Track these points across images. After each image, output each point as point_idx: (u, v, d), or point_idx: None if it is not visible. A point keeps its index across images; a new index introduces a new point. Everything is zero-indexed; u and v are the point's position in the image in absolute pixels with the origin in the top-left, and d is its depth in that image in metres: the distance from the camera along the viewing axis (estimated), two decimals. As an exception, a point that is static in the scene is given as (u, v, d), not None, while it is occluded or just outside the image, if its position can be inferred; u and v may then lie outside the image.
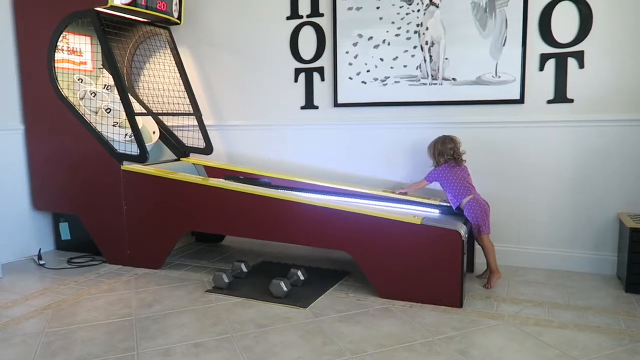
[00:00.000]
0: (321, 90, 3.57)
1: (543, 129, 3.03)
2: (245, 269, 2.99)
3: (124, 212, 3.19)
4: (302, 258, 3.41)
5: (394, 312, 2.47)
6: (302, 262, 3.25)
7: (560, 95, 2.98)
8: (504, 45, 3.05)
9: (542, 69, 3.00)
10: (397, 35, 3.29)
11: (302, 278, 2.83)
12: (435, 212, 2.96)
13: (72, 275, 3.12)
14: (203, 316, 2.45)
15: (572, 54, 2.93)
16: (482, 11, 3.08)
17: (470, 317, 2.40)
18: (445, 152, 2.93)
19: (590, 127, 2.94)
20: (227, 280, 2.78)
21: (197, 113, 3.71)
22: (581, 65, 2.92)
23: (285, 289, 2.63)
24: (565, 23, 2.93)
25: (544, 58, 2.99)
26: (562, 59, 2.96)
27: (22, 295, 2.79)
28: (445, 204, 3.00)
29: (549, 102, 3.01)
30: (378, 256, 2.62)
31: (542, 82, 3.01)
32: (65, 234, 3.63)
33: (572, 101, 2.96)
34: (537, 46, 3.00)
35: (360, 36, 3.39)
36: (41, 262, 3.33)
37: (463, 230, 2.48)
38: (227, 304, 2.61)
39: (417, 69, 3.27)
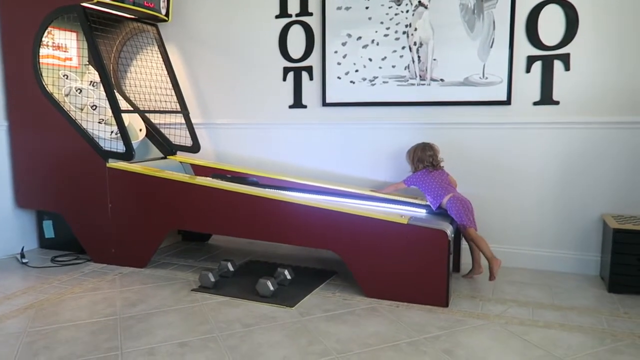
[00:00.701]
0: (309, 89, 3.57)
1: (529, 130, 3.06)
2: (231, 268, 2.97)
3: (109, 210, 3.15)
4: (289, 257, 3.41)
5: (380, 312, 2.47)
6: (289, 261, 3.24)
7: (546, 97, 3.01)
8: (491, 46, 3.07)
9: (528, 70, 3.03)
10: (386, 36, 3.29)
11: (288, 277, 2.83)
12: (422, 212, 2.97)
13: (55, 273, 3.08)
14: (188, 315, 2.43)
15: (558, 56, 2.96)
16: (470, 13, 3.09)
17: (455, 316, 2.41)
18: (424, 158, 2.98)
19: (575, 129, 2.97)
20: (213, 279, 2.77)
21: (184, 111, 3.69)
22: (567, 68, 2.95)
23: (272, 288, 2.63)
24: (551, 26, 2.96)
25: (531, 60, 3.02)
26: (548, 61, 2.98)
27: (4, 294, 2.74)
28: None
29: (535, 103, 3.04)
30: (364, 255, 2.62)
31: (529, 83, 3.04)
32: (49, 231, 3.58)
33: (557, 103, 2.99)
34: (524, 48, 3.02)
35: (349, 36, 3.39)
36: (24, 260, 3.28)
37: (449, 230, 2.49)
38: (212, 303, 2.59)
39: (405, 69, 3.28)
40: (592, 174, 2.97)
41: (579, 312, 2.45)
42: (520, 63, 3.04)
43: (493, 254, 2.80)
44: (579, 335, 2.20)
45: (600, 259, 2.97)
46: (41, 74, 3.25)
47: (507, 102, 3.07)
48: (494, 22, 3.05)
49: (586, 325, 2.30)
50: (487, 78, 3.10)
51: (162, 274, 3.07)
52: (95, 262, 3.27)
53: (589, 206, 2.99)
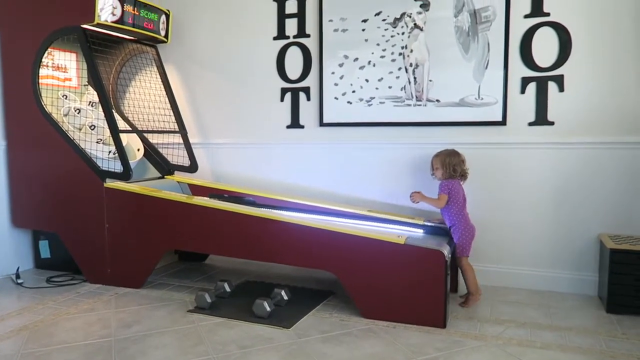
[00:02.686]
0: (307, 109, 3.60)
1: (524, 150, 3.08)
2: (228, 289, 2.96)
3: (106, 230, 3.15)
4: (286, 277, 3.39)
5: (377, 332, 2.45)
6: (286, 282, 3.23)
7: (541, 118, 3.04)
8: (486, 68, 3.11)
9: (523, 91, 3.07)
10: (382, 57, 3.34)
11: (285, 298, 2.81)
12: (419, 232, 2.97)
13: (50, 294, 3.06)
14: (184, 337, 2.41)
15: (552, 78, 3.00)
16: (465, 35, 3.14)
17: (453, 337, 2.39)
18: (458, 165, 2.89)
19: (570, 149, 3.00)
20: (209, 300, 2.75)
21: (182, 130, 3.71)
22: (561, 89, 2.99)
23: (268, 308, 2.61)
24: (545, 48, 3.00)
25: (525, 81, 3.06)
26: (542, 82, 3.02)
27: (-2, 314, 2.72)
28: (429, 224, 3.01)
29: (530, 124, 3.07)
30: (361, 276, 2.62)
31: (524, 104, 3.07)
32: (45, 251, 3.56)
33: (552, 123, 3.02)
34: (518, 69, 3.06)
35: (346, 57, 3.43)
36: (19, 281, 3.25)
37: (446, 251, 2.49)
38: (209, 324, 2.57)
39: (401, 89, 3.31)
40: (588, 194, 2.98)
41: (577, 333, 2.44)
42: (515, 84, 3.08)
43: (477, 287, 2.83)
44: (577, 357, 2.18)
45: (598, 279, 2.97)
46: (40, 94, 3.27)
47: (503, 122, 3.10)
48: (488, 44, 3.09)
49: (584, 346, 2.28)
50: (482, 99, 3.13)
51: (158, 294, 3.05)
52: (90, 283, 3.25)
53: (585, 226, 3.00)
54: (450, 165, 2.88)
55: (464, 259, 2.82)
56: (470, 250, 2.83)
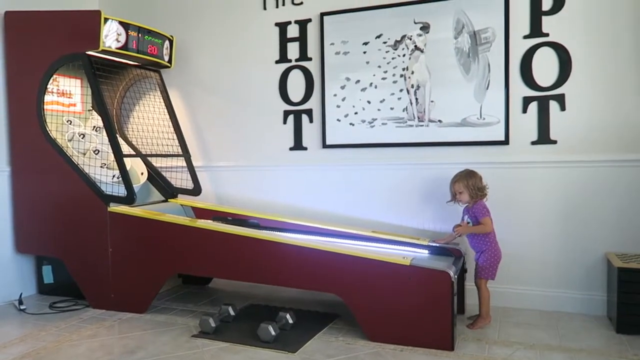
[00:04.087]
0: (310, 131, 3.62)
1: (528, 170, 3.08)
2: (232, 312, 2.93)
3: (109, 255, 3.13)
4: (291, 300, 3.36)
5: (384, 356, 2.42)
6: (291, 305, 3.19)
7: (544, 137, 3.04)
8: (487, 88, 3.13)
9: (525, 111, 3.08)
10: (384, 79, 3.37)
11: (290, 321, 2.78)
12: (424, 253, 2.95)
13: (53, 320, 3.03)
14: (188, 362, 2.38)
15: (553, 97, 3.02)
16: (466, 56, 3.17)
17: (461, 360, 2.36)
18: (481, 187, 2.85)
19: (573, 168, 2.99)
20: (213, 325, 2.72)
21: (185, 154, 3.72)
22: (562, 108, 3.00)
23: (274, 333, 2.58)
24: (545, 67, 3.02)
25: (527, 100, 3.07)
26: (543, 102, 3.04)
27: (1, 342, 2.68)
28: (433, 244, 3.00)
29: (533, 143, 3.07)
30: (367, 298, 2.59)
31: (526, 123, 3.08)
32: (48, 277, 3.54)
33: (555, 142, 3.03)
34: (519, 89, 3.08)
35: (348, 79, 3.46)
36: (22, 307, 3.23)
37: (452, 271, 2.47)
38: (213, 349, 2.54)
39: (403, 110, 3.33)
40: (593, 212, 2.97)
41: (588, 354, 2.40)
42: (516, 104, 3.09)
43: (489, 313, 2.81)
44: (589, 379, 2.14)
45: (607, 299, 2.93)
46: (45, 120, 3.30)
47: (505, 142, 3.11)
48: (489, 65, 3.12)
49: (596, 368, 2.25)
50: (484, 119, 3.15)
51: (162, 319, 3.02)
52: (94, 308, 3.23)
53: (591, 245, 2.98)
54: (475, 187, 2.83)
55: (484, 282, 2.80)
56: (495, 274, 2.81)
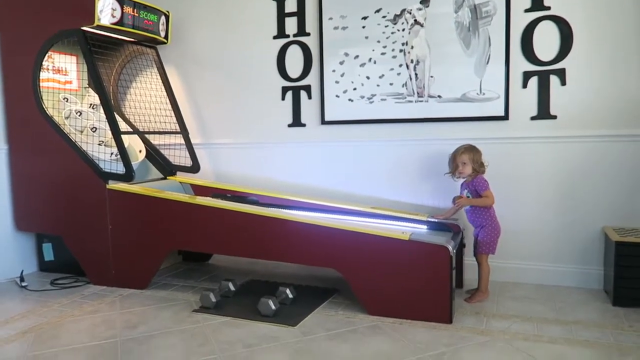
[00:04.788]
0: (308, 108, 3.59)
1: (527, 145, 3.07)
2: (232, 288, 2.95)
3: (109, 232, 3.14)
4: (290, 276, 3.38)
5: (383, 329, 2.45)
6: (291, 280, 3.22)
7: (543, 112, 3.03)
8: (487, 63, 3.10)
9: (525, 86, 3.06)
10: (383, 54, 3.33)
11: (290, 296, 2.81)
12: (423, 228, 2.96)
13: (55, 296, 3.06)
14: (189, 337, 2.40)
15: (554, 71, 2.99)
16: (466, 30, 3.14)
17: (460, 333, 2.39)
18: (482, 163, 2.86)
19: (573, 142, 2.99)
20: (214, 300, 2.74)
21: (183, 131, 3.70)
22: (563, 82, 2.98)
23: (274, 307, 2.60)
24: (546, 41, 2.99)
25: (527, 75, 3.05)
26: (544, 76, 3.01)
27: (3, 318, 2.71)
28: (432, 220, 3.01)
29: (533, 118, 3.06)
30: (366, 273, 2.61)
31: (526, 98, 3.06)
32: (49, 254, 3.56)
33: (555, 117, 3.01)
34: (520, 64, 3.05)
35: (347, 55, 3.42)
36: (23, 284, 3.25)
37: (451, 245, 2.48)
38: (214, 323, 2.57)
39: (402, 86, 3.31)
40: (591, 187, 2.98)
41: (584, 327, 2.43)
42: (516, 78, 3.07)
43: (487, 288, 2.83)
44: (585, 350, 2.17)
45: (604, 272, 2.96)
46: (41, 97, 3.27)
47: (505, 117, 3.09)
48: (489, 39, 3.09)
49: (592, 340, 2.28)
50: (484, 94, 3.13)
51: (162, 295, 3.04)
52: (95, 285, 3.25)
53: (589, 219, 2.99)
54: (477, 162, 2.83)
55: (486, 257, 2.82)
56: (496, 249, 2.82)
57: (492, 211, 2.83)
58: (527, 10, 3.01)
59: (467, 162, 2.83)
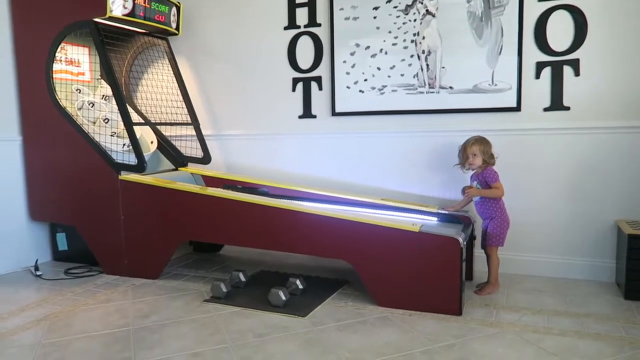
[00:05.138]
0: (319, 99, 3.59)
1: (539, 136, 3.04)
2: (243, 278, 2.98)
3: (122, 222, 3.18)
4: (300, 267, 3.40)
5: (392, 321, 2.46)
6: (301, 271, 3.24)
7: (556, 103, 3.00)
8: (499, 53, 3.07)
9: (537, 76, 3.02)
10: (394, 44, 3.31)
11: (300, 287, 2.82)
12: (433, 220, 2.95)
13: (68, 285, 3.11)
14: (201, 326, 2.43)
15: (568, 62, 2.95)
16: (478, 20, 3.10)
17: (469, 325, 2.39)
18: (492, 153, 2.84)
19: (586, 134, 2.95)
20: (225, 290, 2.77)
21: (194, 122, 3.72)
22: (577, 73, 2.94)
23: (284, 297, 2.62)
24: (560, 31, 2.95)
25: (540, 66, 3.01)
26: (557, 67, 2.98)
27: (18, 306, 2.77)
28: (443, 212, 3.00)
29: (545, 109, 3.02)
30: (376, 264, 2.61)
31: (538, 89, 3.03)
32: (62, 244, 3.61)
33: (568, 108, 2.98)
34: (533, 54, 3.02)
35: (357, 45, 3.41)
36: (38, 273, 3.31)
37: (461, 238, 2.48)
38: (225, 313, 2.59)
39: (414, 77, 3.29)
40: (604, 180, 2.94)
41: (595, 320, 2.42)
42: (529, 69, 3.03)
43: (497, 280, 2.82)
44: (596, 343, 2.16)
45: (616, 266, 2.93)
46: (54, 89, 3.30)
47: (517, 108, 3.07)
48: (502, 29, 3.05)
49: (603, 333, 2.26)
50: (496, 85, 3.10)
51: (174, 285, 3.08)
52: (108, 274, 3.30)
53: (602, 212, 2.96)
54: (488, 153, 2.82)
55: (495, 249, 2.81)
56: (504, 241, 2.81)
57: (501, 203, 2.81)
58: (540, 0, 2.97)
59: (477, 153, 2.81)
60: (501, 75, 3.08)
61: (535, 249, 3.12)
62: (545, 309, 2.56)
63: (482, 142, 2.83)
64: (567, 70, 2.96)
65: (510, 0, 3.01)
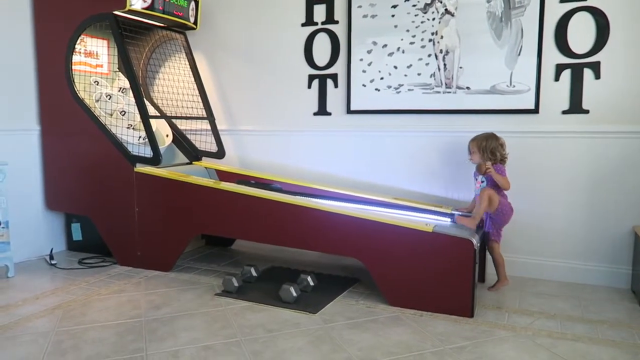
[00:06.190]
0: (334, 96, 3.58)
1: (557, 139, 3.01)
2: (254, 273, 2.99)
3: (136, 214, 3.20)
4: (312, 264, 3.40)
5: (404, 320, 2.45)
6: (312, 268, 3.24)
7: (576, 106, 2.96)
8: (519, 54, 3.04)
9: (557, 79, 2.98)
10: (412, 43, 3.29)
11: (311, 284, 2.82)
12: (447, 221, 2.93)
13: (82, 275, 3.14)
14: (212, 319, 2.44)
15: (588, 65, 2.91)
16: (498, 20, 3.07)
17: (481, 327, 2.37)
18: (497, 149, 2.80)
19: (605, 138, 2.91)
20: (236, 284, 2.78)
21: (210, 117, 3.74)
22: (597, 76, 2.90)
23: (295, 294, 2.62)
24: (581, 33, 2.91)
25: (560, 68, 2.97)
26: (577, 69, 2.94)
27: (33, 294, 2.80)
28: (457, 213, 2.98)
29: (564, 112, 2.99)
30: (388, 263, 2.60)
31: (557, 92, 2.99)
32: (77, 234, 3.65)
33: (587, 112, 2.94)
34: (553, 56, 2.98)
35: (375, 43, 3.39)
36: (52, 262, 3.35)
37: (475, 239, 2.46)
38: (236, 307, 2.60)
39: (430, 76, 3.26)
40: (623, 185, 2.90)
41: (610, 326, 2.39)
42: (548, 71, 3.00)
43: (506, 275, 2.82)
44: (610, 349, 2.13)
45: (632, 272, 2.89)
46: (73, 80, 3.33)
47: (535, 110, 3.03)
48: (522, 30, 3.02)
49: (617, 339, 2.23)
50: (514, 86, 3.07)
51: (186, 277, 3.10)
52: (121, 265, 3.33)
53: (620, 218, 2.92)
54: (488, 149, 2.80)
55: (497, 246, 2.81)
56: (501, 236, 2.81)
57: (502, 199, 2.79)
58: (562, 1, 2.93)
59: (475, 150, 2.83)
60: (520, 76, 3.05)
61: (550, 253, 3.08)
62: (559, 314, 2.54)
63: (483, 138, 2.82)
64: (588, 73, 2.92)
65: (531, 1, 2.98)
